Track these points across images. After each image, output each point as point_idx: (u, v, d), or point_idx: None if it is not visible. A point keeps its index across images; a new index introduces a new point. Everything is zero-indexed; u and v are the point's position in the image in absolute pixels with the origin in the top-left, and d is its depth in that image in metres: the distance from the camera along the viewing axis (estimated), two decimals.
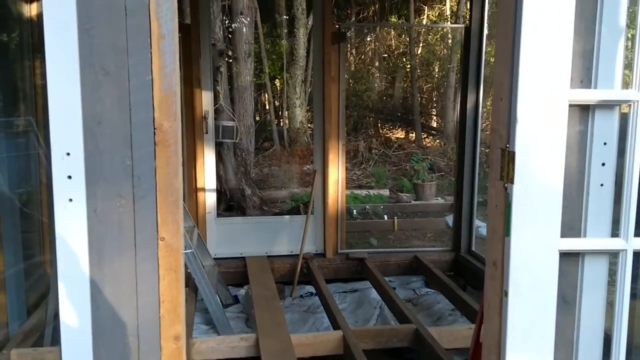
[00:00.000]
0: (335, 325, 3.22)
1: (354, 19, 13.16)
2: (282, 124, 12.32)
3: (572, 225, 1.52)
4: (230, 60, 8.01)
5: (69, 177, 1.28)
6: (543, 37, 1.41)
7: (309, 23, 10.96)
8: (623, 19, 1.47)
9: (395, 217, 5.60)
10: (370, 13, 13.70)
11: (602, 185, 1.51)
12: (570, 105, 1.46)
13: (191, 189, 4.17)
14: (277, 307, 3.38)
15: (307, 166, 9.43)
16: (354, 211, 6.46)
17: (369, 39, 14.57)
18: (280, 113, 12.95)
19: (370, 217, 6.34)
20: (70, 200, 1.29)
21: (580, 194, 1.52)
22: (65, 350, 1.37)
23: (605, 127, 1.49)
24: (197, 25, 4.14)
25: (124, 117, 1.29)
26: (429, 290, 4.13)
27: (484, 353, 1.66)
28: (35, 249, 3.48)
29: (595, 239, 1.52)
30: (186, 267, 3.39)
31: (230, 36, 8.08)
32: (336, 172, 4.26)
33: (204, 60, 4.20)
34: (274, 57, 12.51)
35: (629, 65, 1.50)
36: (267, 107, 13.27)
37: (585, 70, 1.48)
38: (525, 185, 1.46)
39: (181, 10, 4.88)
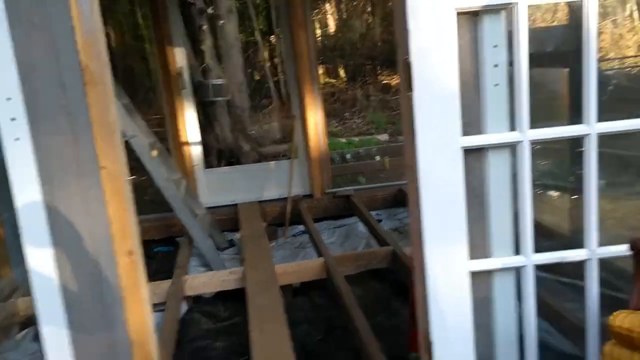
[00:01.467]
0: (319, 254, 3.46)
1: None
2: (279, 79, 12.38)
3: (473, 123, 1.69)
4: (215, 19, 8.08)
5: (13, 119, 1.48)
6: None
7: None
8: None
9: (386, 157, 5.77)
10: None
11: (496, 85, 1.67)
12: (458, 13, 1.60)
13: (176, 144, 4.39)
14: (265, 245, 3.62)
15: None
16: (347, 155, 6.64)
17: None
18: (277, 69, 12.99)
19: (363, 159, 6.52)
20: (17, 139, 1.50)
21: (477, 95, 1.68)
22: (34, 272, 1.61)
23: (493, 31, 1.64)
24: None
25: (54, 62, 1.48)
26: None
27: (412, 247, 1.86)
28: None
29: (496, 134, 1.69)
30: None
31: None
32: (314, 116, 4.42)
33: (173, 16, 4.33)
34: (264, 12, 12.49)
35: None
36: (262, 64, 13.32)
37: None
38: (424, 91, 1.62)
39: None
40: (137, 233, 1.67)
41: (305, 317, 3.11)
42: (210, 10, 7.56)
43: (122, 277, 1.63)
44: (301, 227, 4.42)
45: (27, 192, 1.53)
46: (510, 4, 1.60)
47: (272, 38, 13.20)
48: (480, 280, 1.76)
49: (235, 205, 4.50)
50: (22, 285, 3.27)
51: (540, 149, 2.85)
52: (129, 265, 1.64)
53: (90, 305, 1.63)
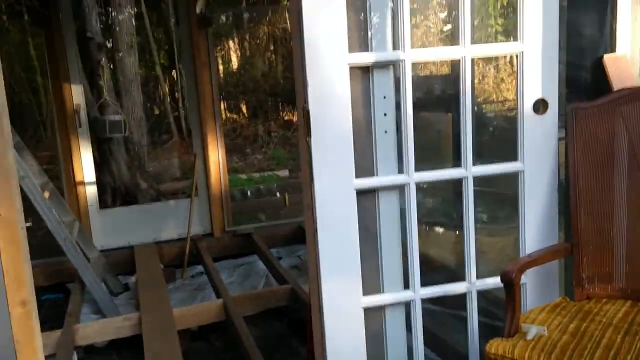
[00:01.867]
0: (218, 295, 3.45)
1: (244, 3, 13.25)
2: (180, 115, 12.24)
3: (366, 167, 1.84)
4: (115, 54, 7.93)
5: None
6: (319, 13, 1.69)
7: (198, 7, 10.94)
8: None
9: (286, 194, 5.87)
10: None
11: (386, 132, 1.83)
12: (351, 68, 1.75)
13: (69, 184, 4.21)
14: (162, 288, 3.55)
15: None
16: (248, 192, 6.68)
17: (265, 22, 14.69)
18: (178, 104, 12.84)
19: (263, 196, 6.59)
20: None
21: (370, 141, 1.83)
22: None
23: (383, 83, 1.81)
24: (58, 19, 4.15)
25: None
26: None
27: (310, 278, 1.95)
28: None
29: (386, 177, 1.84)
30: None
31: (110, 29, 7.99)
32: (216, 154, 4.45)
33: (71, 54, 4.22)
34: (167, 47, 12.38)
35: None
36: (162, 99, 13.12)
37: (361, 37, 1.78)
38: (320, 137, 1.74)
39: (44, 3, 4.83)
40: (31, 281, 1.62)
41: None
42: (109, 45, 7.41)
43: (15, 329, 1.57)
44: (200, 268, 4.37)
45: None
46: (397, 60, 1.78)
47: (174, 72, 13.08)
48: (374, 315, 1.88)
49: (132, 247, 4.37)
50: None
51: (429, 187, 3.08)
52: (23, 315, 1.58)
53: None
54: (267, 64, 13.74)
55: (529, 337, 1.54)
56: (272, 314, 3.49)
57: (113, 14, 7.77)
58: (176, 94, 13.27)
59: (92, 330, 3.09)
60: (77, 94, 4.25)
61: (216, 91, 4.47)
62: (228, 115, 14.51)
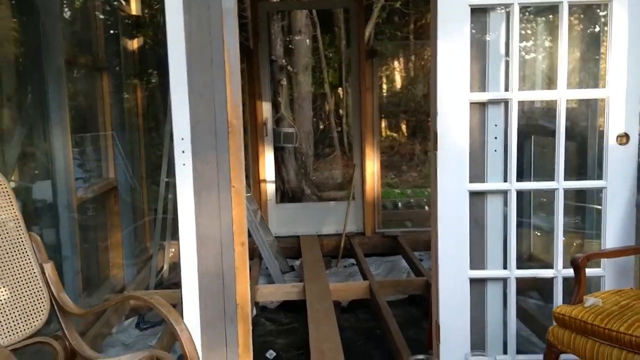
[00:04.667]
0: (365, 279, 4.32)
1: (412, 26, 14.16)
2: (343, 130, 13.44)
3: (478, 175, 2.57)
4: (292, 74, 9.30)
5: (183, 151, 2.48)
6: (448, 61, 2.48)
7: (366, 35, 12.09)
8: (502, 49, 2.51)
9: None
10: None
11: (495, 150, 2.55)
12: (471, 103, 2.51)
13: (255, 180, 5.42)
14: (321, 267, 4.52)
15: None
16: (399, 203, 7.52)
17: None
18: (342, 120, 14.08)
19: (412, 208, 7.39)
20: (184, 164, 2.49)
21: (482, 156, 2.57)
22: (183, 252, 2.56)
23: (495, 114, 2.54)
24: (257, 49, 5.39)
25: (211, 118, 2.48)
26: None
27: (432, 255, 2.72)
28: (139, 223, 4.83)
29: (493, 183, 2.56)
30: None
31: (290, 52, 9.37)
32: (372, 165, 5.36)
33: (264, 76, 5.44)
34: (336, 66, 13.73)
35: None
36: (328, 115, 14.46)
37: (480, 81, 2.54)
38: (444, 151, 2.52)
39: (247, 38, 6.16)
40: (246, 231, 2.62)
41: (351, 326, 3.95)
42: (289, 68, 8.77)
43: (236, 260, 2.57)
44: (352, 260, 5.29)
45: (185, 199, 2.51)
46: (507, 99, 2.50)
47: (340, 90, 14.39)
48: (477, 286, 2.59)
49: (298, 236, 5.44)
50: (129, 284, 4.29)
51: (526, 193, 3.64)
52: (241, 252, 2.58)
53: (214, 278, 2.57)
54: (429, 86, 14.44)
55: (586, 305, 2.15)
56: (410, 301, 4.27)
57: (294, 39, 9.13)
58: (340, 111, 14.58)
59: (267, 291, 4.14)
60: (266, 109, 5.46)
61: (376, 112, 5.38)
62: (388, 133, 15.50)
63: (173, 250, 4.47)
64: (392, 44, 14.45)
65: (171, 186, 3.93)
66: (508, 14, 2.47)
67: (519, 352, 2.59)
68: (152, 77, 5.44)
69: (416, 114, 14.02)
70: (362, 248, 5.24)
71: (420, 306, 4.22)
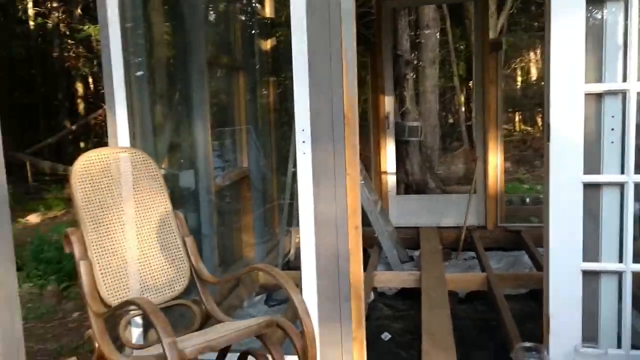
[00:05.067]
0: (483, 270, 4.35)
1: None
2: (472, 124, 13.18)
3: (593, 167, 2.55)
4: (418, 67, 9.36)
5: (303, 141, 2.74)
6: (563, 51, 2.49)
7: (498, 25, 11.74)
8: (620, 39, 2.47)
9: None
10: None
11: (612, 142, 2.52)
12: (586, 94, 2.50)
13: (376, 172, 5.62)
14: (439, 258, 4.62)
15: None
16: (527, 199, 7.32)
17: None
18: (471, 114, 13.81)
19: (540, 204, 7.14)
20: (304, 153, 2.75)
21: (598, 148, 2.55)
22: (303, 234, 2.84)
23: (611, 106, 2.51)
24: (381, 45, 5.58)
25: (329, 111, 2.72)
26: None
27: (544, 247, 2.73)
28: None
29: (609, 175, 2.53)
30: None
31: (416, 46, 9.43)
32: (495, 158, 5.32)
33: (387, 71, 5.62)
34: (466, 59, 13.49)
35: None
36: (457, 108, 14.24)
37: (596, 71, 2.52)
38: (557, 143, 2.54)
39: (373, 34, 6.37)
40: (360, 215, 2.83)
41: (467, 317, 4.01)
42: (416, 62, 8.85)
43: (350, 242, 2.79)
44: (472, 254, 5.30)
45: (305, 187, 2.77)
46: (624, 90, 2.46)
47: (470, 83, 14.13)
48: (591, 279, 2.58)
49: (417, 228, 5.56)
50: (258, 263, 4.70)
51: None
52: (355, 235, 2.80)
53: (330, 259, 2.81)
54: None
55: None
56: (531, 295, 4.23)
57: (422, 32, 9.17)
58: (471, 104, 14.30)
59: (385, 277, 4.34)
60: (388, 103, 5.63)
61: (500, 105, 5.32)
62: (522, 127, 14.91)
63: (299, 236, 4.80)
64: (527, 35, 13.90)
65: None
66: (626, 1, 2.42)
67: (634, 347, 2.54)
68: (284, 74, 5.87)
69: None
70: (483, 242, 5.24)
71: (540, 301, 4.16)
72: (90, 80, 15.53)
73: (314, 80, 2.72)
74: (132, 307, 2.32)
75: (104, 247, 2.26)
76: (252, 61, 5.09)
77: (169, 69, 3.87)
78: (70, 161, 2.55)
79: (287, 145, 4.56)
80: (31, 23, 13.05)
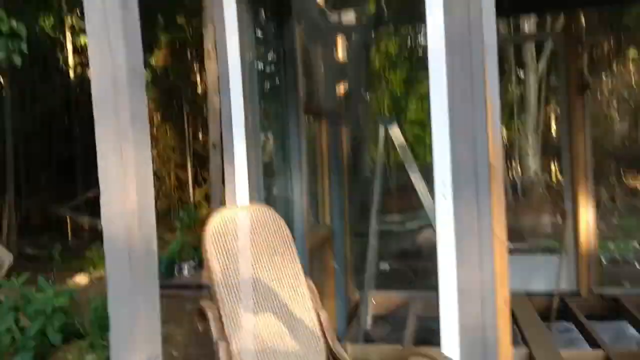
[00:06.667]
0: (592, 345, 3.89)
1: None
2: (512, 173, 12.81)
3: None
4: None
5: (444, 196, 2.39)
6: None
7: (539, 69, 11.54)
8: None
9: None
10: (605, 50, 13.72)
11: None
12: None
13: None
14: (542, 331, 4.15)
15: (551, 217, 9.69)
16: (601, 257, 6.90)
17: (604, 77, 14.48)
18: (510, 162, 13.48)
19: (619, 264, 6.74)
20: (445, 210, 2.39)
21: None
22: (443, 304, 2.44)
23: None
24: None
25: (472, 161, 2.37)
26: None
27: None
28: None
29: None
30: None
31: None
32: (586, 214, 4.93)
33: None
34: (503, 104, 13.26)
35: None
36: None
37: None
38: None
39: None
40: (509, 286, 2.44)
41: None
42: None
43: (499, 319, 2.38)
44: (566, 324, 4.80)
45: (446, 250, 2.41)
46: None
47: (505, 131, 13.78)
48: None
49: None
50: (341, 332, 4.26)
51: None
52: (504, 310, 2.40)
53: (475, 335, 2.40)
54: (611, 122, 13.38)
55: None
56: None
57: None
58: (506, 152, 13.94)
59: None
60: None
61: (589, 155, 4.96)
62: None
63: (374, 301, 4.48)
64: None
65: (382, 235, 3.90)
66: None
67: None
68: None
69: (595, 155, 12.98)
70: (581, 310, 4.76)
71: None
72: None
73: (454, 125, 2.40)
74: None
75: (239, 324, 1.88)
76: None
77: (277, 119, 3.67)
78: None
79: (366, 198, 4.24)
80: (71, 72, 12.99)
